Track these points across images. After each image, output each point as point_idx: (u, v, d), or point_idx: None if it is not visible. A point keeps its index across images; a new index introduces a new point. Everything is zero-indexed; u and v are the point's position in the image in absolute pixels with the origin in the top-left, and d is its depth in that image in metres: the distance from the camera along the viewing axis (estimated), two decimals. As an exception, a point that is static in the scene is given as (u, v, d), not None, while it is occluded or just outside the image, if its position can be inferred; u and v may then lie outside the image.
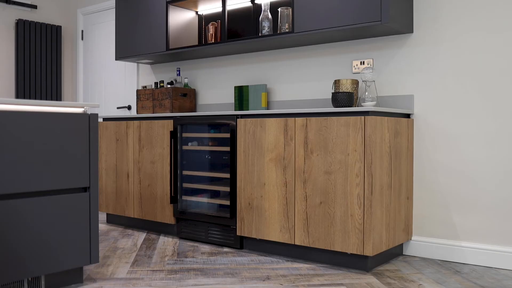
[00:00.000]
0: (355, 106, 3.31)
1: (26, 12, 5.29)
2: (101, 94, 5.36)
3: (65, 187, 2.52)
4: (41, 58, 5.30)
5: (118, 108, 5.02)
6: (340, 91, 3.30)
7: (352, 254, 2.99)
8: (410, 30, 3.27)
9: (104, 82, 5.31)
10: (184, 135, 3.80)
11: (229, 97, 4.26)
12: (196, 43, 4.41)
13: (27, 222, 2.37)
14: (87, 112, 2.63)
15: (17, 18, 5.19)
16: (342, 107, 3.11)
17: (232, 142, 3.45)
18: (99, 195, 4.41)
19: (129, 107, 5.01)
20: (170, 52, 4.14)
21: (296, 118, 3.12)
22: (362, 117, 2.85)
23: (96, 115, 2.64)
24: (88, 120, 2.60)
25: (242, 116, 3.42)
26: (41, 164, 2.42)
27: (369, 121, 2.83)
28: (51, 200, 2.46)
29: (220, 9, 4.24)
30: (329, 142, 2.99)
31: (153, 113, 4.31)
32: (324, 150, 3.00)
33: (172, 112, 4.16)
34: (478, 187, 3.07)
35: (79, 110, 2.60)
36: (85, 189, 2.63)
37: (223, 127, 3.65)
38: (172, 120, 3.80)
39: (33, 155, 2.39)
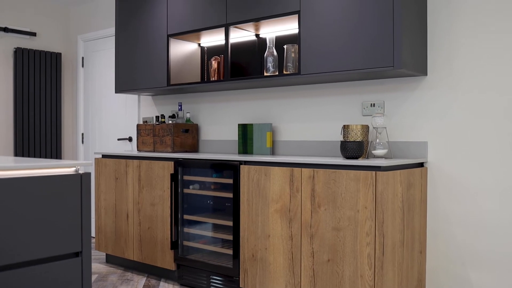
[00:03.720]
0: (365, 155, 3.13)
1: (25, 40, 5.15)
2: (101, 124, 5.20)
3: (55, 254, 2.35)
4: (41, 86, 5.15)
5: (118, 139, 4.86)
6: (350, 139, 3.12)
7: (362, 317, 2.80)
8: (424, 73, 3.09)
9: (105, 111, 5.15)
10: (185, 177, 3.63)
11: (233, 134, 4.08)
12: (199, 76, 4.24)
13: (12, 296, 2.21)
14: (79, 172, 2.46)
15: (16, 47, 5.05)
16: (352, 157, 2.93)
17: (235, 188, 3.28)
18: (98, 234, 4.25)
19: (130, 139, 4.85)
20: (171, 87, 3.97)
21: (303, 169, 2.94)
22: (373, 172, 2.66)
23: (88, 174, 2.48)
24: (80, 181, 2.44)
25: (246, 162, 3.25)
26: (29, 232, 2.25)
27: (381, 177, 2.64)
28: (39, 269, 2.29)
29: (223, 42, 4.07)
30: (337, 196, 2.80)
31: (153, 149, 4.14)
32: (333, 205, 2.82)
33: (174, 150, 4.00)
34: (496, 241, 2.87)
35: (71, 170, 2.44)
36: (77, 254, 2.46)
37: (226, 172, 3.47)
38: (172, 162, 3.63)
39: (20, 223, 2.22)
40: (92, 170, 5.32)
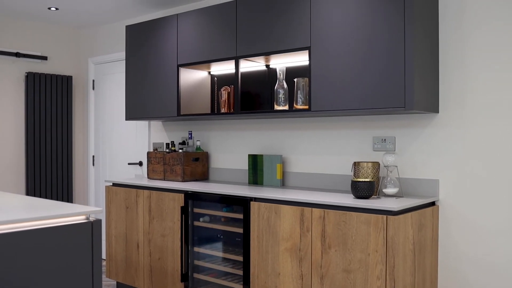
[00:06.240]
0: (376, 193, 3.11)
1: (36, 64, 5.18)
2: (112, 147, 5.22)
3: (66, 304, 2.36)
4: (52, 109, 5.19)
5: (129, 164, 4.87)
6: (360, 177, 3.10)
7: None
8: (436, 110, 3.06)
9: (116, 134, 5.18)
10: (195, 210, 3.63)
11: (243, 163, 4.08)
12: (209, 105, 4.24)
13: None
14: (90, 219, 2.47)
15: (27, 71, 5.09)
16: (362, 197, 2.91)
17: (245, 223, 3.27)
18: (108, 261, 4.26)
19: (140, 163, 4.87)
20: (181, 117, 3.98)
21: (313, 209, 2.93)
22: (384, 216, 2.65)
23: (99, 222, 2.49)
24: (91, 229, 2.45)
25: (256, 199, 3.24)
26: (40, 281, 2.26)
27: (392, 222, 2.62)
28: (50, 319, 2.30)
29: (233, 71, 4.07)
30: (348, 238, 2.79)
31: (164, 178, 4.15)
32: (343, 246, 2.81)
33: (184, 179, 4.00)
34: (509, 283, 2.84)
35: (81, 218, 2.45)
36: (87, 302, 2.47)
37: (236, 206, 3.47)
38: (183, 194, 3.63)
39: (31, 273, 2.23)
40: (103, 198, 5.35)
